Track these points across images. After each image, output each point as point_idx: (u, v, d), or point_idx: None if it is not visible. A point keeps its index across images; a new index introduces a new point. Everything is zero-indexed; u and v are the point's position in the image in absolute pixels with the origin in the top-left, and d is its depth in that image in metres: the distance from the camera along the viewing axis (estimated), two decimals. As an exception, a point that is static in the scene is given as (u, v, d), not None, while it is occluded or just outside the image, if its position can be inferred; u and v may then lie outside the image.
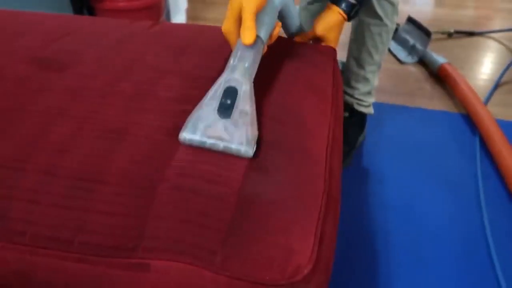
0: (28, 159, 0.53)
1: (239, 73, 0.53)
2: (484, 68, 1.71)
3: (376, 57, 1.10)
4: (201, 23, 2.01)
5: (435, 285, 0.89)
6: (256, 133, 0.52)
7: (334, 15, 0.81)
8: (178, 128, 0.54)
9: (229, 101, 0.52)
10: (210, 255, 0.44)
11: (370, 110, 1.21)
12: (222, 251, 0.44)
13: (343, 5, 0.80)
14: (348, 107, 1.18)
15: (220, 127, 0.51)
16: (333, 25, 0.81)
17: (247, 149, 0.51)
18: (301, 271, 0.43)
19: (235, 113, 0.52)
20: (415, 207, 1.06)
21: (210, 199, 0.48)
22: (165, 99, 0.61)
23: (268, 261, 0.44)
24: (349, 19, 0.82)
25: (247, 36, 0.54)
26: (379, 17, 1.03)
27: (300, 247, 0.45)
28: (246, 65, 0.54)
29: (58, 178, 0.51)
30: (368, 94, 1.17)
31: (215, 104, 0.52)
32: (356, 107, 1.18)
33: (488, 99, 1.46)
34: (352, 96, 1.17)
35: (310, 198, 0.51)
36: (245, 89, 0.53)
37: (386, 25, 1.04)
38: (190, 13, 1.97)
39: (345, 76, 1.16)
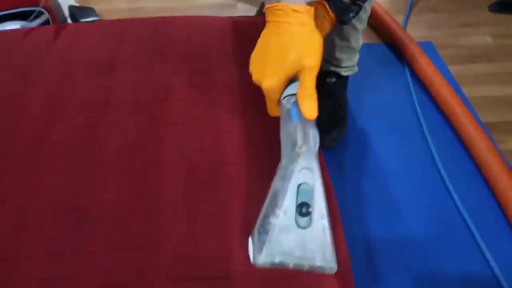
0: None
1: (309, 160, 0.43)
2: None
3: (360, 27, 0.98)
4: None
5: (403, 228, 0.92)
6: (332, 239, 0.43)
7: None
8: (147, 191, 0.45)
9: (310, 209, 0.42)
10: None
11: (355, 70, 1.10)
12: None
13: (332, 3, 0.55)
14: (333, 74, 1.08)
15: (301, 241, 0.41)
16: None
17: (333, 266, 0.42)
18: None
19: (314, 218, 0.42)
20: (363, 143, 1.08)
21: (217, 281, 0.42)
22: (116, 150, 0.50)
23: None
24: (342, 21, 0.57)
25: (313, 108, 0.45)
26: None
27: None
28: (312, 144, 0.45)
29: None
30: (354, 56, 1.07)
31: (290, 211, 0.41)
32: (343, 73, 1.09)
33: (406, 22, 1.48)
34: (337, 66, 1.07)
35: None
36: (318, 182, 0.43)
37: None
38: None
39: (328, 50, 1.03)
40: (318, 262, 0.42)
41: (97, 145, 0.50)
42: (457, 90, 1.19)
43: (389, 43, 1.38)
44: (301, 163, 0.43)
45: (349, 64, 1.08)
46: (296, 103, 0.47)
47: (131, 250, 0.42)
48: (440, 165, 1.02)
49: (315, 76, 0.46)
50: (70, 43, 0.66)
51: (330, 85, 1.09)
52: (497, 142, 1.07)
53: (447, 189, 0.97)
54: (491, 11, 1.53)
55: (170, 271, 0.40)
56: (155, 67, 0.60)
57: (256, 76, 0.48)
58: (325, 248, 0.42)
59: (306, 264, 0.42)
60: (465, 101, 1.17)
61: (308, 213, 0.41)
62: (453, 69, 1.30)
